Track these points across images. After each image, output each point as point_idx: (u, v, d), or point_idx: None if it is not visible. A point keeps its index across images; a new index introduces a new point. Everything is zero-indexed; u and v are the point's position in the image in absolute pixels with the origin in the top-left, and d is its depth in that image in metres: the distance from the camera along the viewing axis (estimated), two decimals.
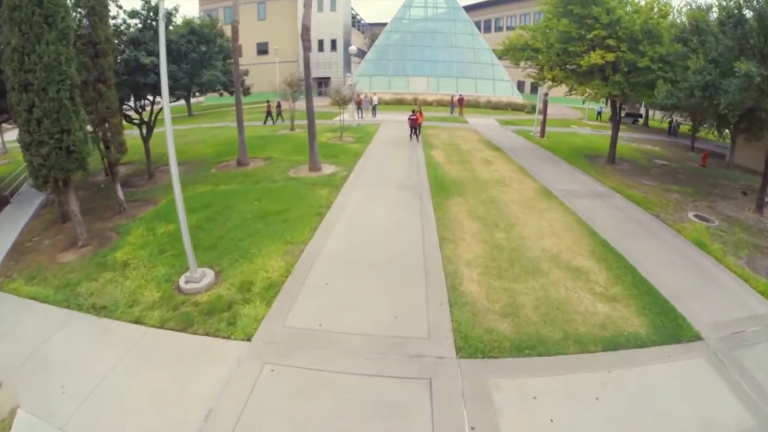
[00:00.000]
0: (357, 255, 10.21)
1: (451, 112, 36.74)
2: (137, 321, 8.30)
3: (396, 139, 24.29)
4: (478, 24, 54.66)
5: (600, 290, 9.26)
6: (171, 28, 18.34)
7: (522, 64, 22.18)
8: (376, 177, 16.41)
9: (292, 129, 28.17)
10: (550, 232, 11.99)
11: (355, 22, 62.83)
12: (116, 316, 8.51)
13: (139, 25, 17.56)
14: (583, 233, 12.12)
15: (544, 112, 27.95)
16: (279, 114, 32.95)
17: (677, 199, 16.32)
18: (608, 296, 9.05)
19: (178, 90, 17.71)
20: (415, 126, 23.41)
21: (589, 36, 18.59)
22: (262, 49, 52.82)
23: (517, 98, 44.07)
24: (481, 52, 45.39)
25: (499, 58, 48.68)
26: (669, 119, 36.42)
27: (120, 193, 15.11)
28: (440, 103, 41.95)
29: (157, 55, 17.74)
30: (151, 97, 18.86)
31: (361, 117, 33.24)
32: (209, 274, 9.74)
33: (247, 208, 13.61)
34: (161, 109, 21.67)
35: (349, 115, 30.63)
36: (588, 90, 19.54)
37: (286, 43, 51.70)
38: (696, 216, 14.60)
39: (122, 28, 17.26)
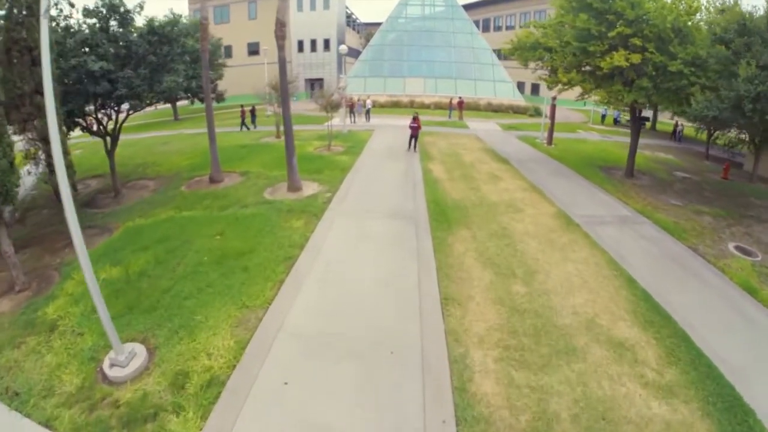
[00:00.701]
0: (330, 333, 7.45)
1: (450, 116, 34.01)
2: (47, 423, 5.95)
3: (390, 149, 21.57)
4: (476, 23, 51.81)
5: (652, 376, 6.73)
6: (131, 29, 15.60)
7: (533, 65, 19.43)
8: (363, 201, 13.67)
9: (278, 136, 25.40)
10: (579, 282, 9.32)
11: (350, 21, 59.94)
12: (27, 409, 6.19)
13: (96, 25, 14.86)
14: (619, 281, 9.50)
15: (551, 117, 25.23)
16: (253, 120, 30.17)
17: (711, 225, 13.84)
18: (663, 387, 6.57)
19: (133, 99, 14.93)
20: (416, 134, 20.65)
21: (611, 34, 15.88)
22: (254, 50, 49.88)
23: (519, 101, 41.35)
24: (481, 52, 42.63)
25: (501, 58, 46.01)
26: (676, 123, 33.88)
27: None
28: (438, 106, 39.18)
29: (109, 60, 15.24)
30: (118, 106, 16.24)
31: (354, 122, 30.49)
32: (140, 354, 7.09)
33: (207, 245, 10.91)
34: (127, 117, 19.14)
35: (340, 120, 27.93)
36: (608, 96, 16.83)
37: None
38: (737, 248, 12.16)
39: (74, 29, 14.55)
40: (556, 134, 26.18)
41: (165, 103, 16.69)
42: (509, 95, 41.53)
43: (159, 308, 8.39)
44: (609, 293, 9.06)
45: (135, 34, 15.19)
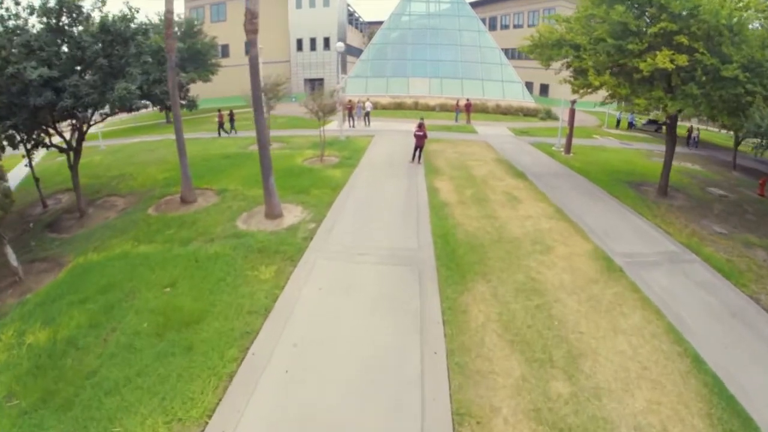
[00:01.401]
0: None
1: (457, 119, 31.20)
2: None
3: (391, 160, 18.86)
4: (482, 22, 48.82)
5: None
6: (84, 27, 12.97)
7: (556, 66, 16.63)
8: (354, 234, 10.94)
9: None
10: (637, 370, 6.68)
11: (353, 19, 57.05)
12: None
13: (43, 24, 12.31)
14: (684, 362, 7.02)
15: (570, 123, 22.43)
16: (232, 125, 27.50)
17: (766, 261, 11.19)
18: None
19: (83, 111, 12.32)
20: (421, 144, 17.90)
21: (652, 30, 13.09)
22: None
23: (529, 102, 38.48)
24: (489, 51, 39.73)
25: (509, 57, 43.15)
26: (690, 128, 30.87)
27: (13, 260, 10.66)
28: (443, 108, 36.39)
29: (53, 65, 12.54)
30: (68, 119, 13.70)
31: (352, 126, 27.77)
32: None
33: (152, 302, 8.35)
34: (89, 128, 16.54)
35: (338, 125, 25.27)
36: (647, 104, 14.02)
37: (277, 42, 46.08)
38: None
39: (20, 30, 12.02)
40: (573, 141, 23.42)
41: (128, 111, 14.07)
42: (518, 96, 38.67)
43: (76, 405, 6.03)
44: (675, 386, 6.45)
45: (86, 34, 12.57)
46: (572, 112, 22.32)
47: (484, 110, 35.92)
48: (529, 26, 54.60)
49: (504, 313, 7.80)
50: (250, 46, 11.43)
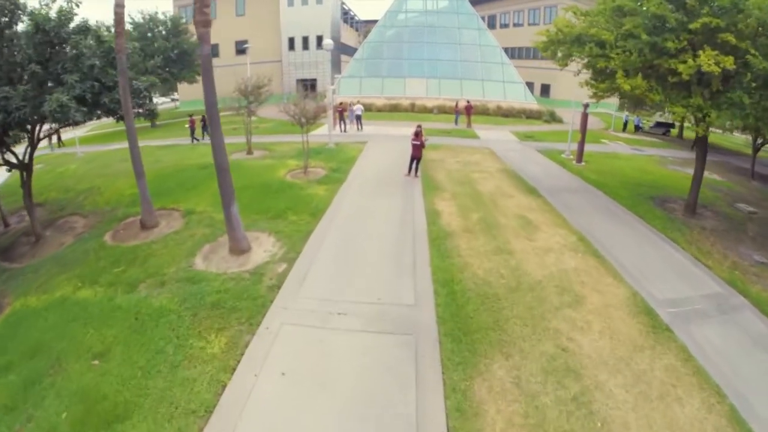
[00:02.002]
0: None
1: (456, 123, 28.88)
2: None
3: (384, 172, 16.59)
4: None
5: None
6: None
7: (575, 67, 14.36)
8: (333, 283, 8.57)
9: (249, 152, 20.46)
10: None
11: (348, 18, 54.65)
12: None
13: None
14: None
15: (582, 130, 20.17)
16: (205, 130, 25.17)
17: None
18: None
19: (12, 129, 10.06)
20: (419, 155, 15.62)
21: (693, 26, 10.85)
22: (242, 49, 44.62)
23: (532, 104, 36.22)
24: (489, 50, 37.42)
25: (510, 56, 40.93)
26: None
27: None
28: (442, 110, 34.09)
29: None
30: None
31: (344, 131, 25.43)
32: None
33: (76, 380, 6.39)
34: (39, 141, 14.16)
35: (328, 130, 23.01)
36: (686, 112, 11.77)
37: (268, 41, 43.68)
38: None
39: None
40: (575, 144, 21.20)
41: (67, 126, 11.80)
42: (520, 97, 36.40)
43: None
44: None
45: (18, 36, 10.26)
46: (585, 117, 20.08)
47: (484, 112, 33.63)
48: (529, 25, 52.27)
49: (531, 414, 5.58)
50: (202, 44, 9.13)
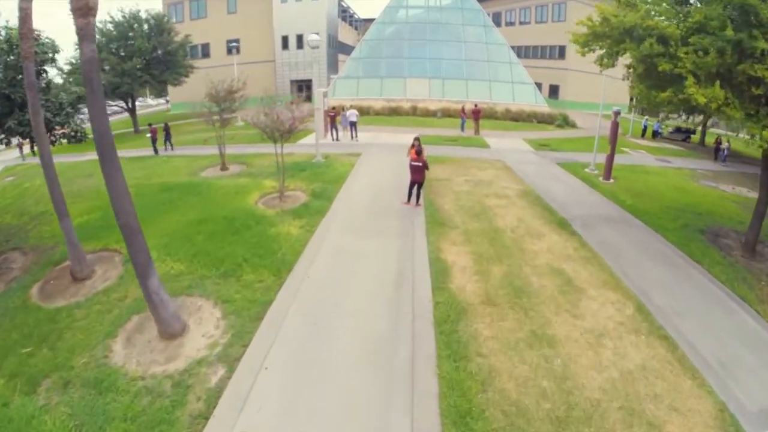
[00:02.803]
0: None
1: (463, 129, 25.45)
2: None
3: (378, 200, 13.23)
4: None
5: None
6: None
7: (621, 70, 10.99)
8: (286, 411, 5.36)
9: (224, 168, 17.20)
10: None
11: (346, 16, 51.16)
12: None
13: None
14: None
15: (612, 142, 16.79)
16: (168, 140, 21.90)
17: None
18: None
19: None
20: (420, 179, 12.11)
21: None
22: (233, 48, 41.34)
23: (542, 106, 32.78)
24: (497, 49, 33.94)
25: (521, 55, 37.40)
26: (718, 140, 25.20)
27: None
28: (446, 113, 30.73)
29: None
30: None
31: (336, 139, 22.08)
32: None
33: None
34: None
35: (320, 138, 19.74)
36: None
37: (260, 40, 40.34)
38: None
39: None
40: (600, 155, 17.90)
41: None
42: (530, 100, 32.95)
43: None
44: None
45: None
46: (615, 128, 16.69)
47: (491, 115, 30.24)
48: (537, 23, 48.72)
49: None
50: (83, 41, 5.75)
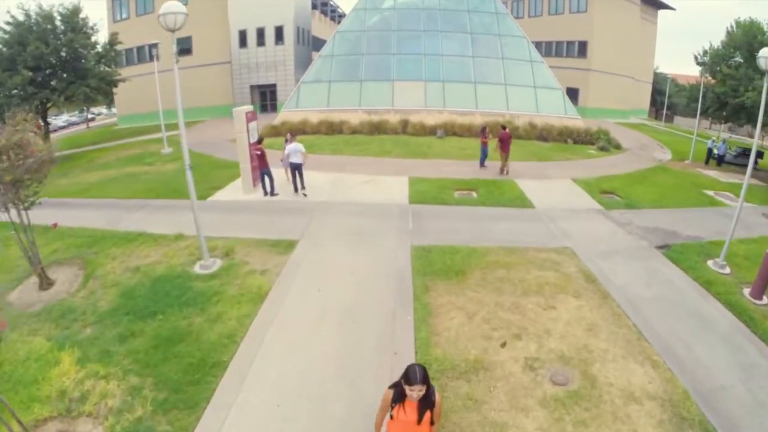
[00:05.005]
0: None
1: (483, 163, 15.42)
2: None
3: None
4: None
5: None
6: None
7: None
8: None
9: (45, 285, 7.35)
10: None
11: (325, 6, 40.86)
12: None
13: None
14: None
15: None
16: None
17: None
18: None
19: None
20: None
21: None
22: (185, 47, 31.13)
23: (575, 119, 23.04)
24: (514, 43, 24.12)
25: (543, 53, 27.62)
26: None
27: None
28: (450, 130, 21.08)
29: None
30: None
31: (271, 193, 12.04)
32: None
33: None
34: None
35: (244, 190, 10.12)
36: None
37: (213, 37, 30.24)
38: None
39: None
40: (638, 190, 8.24)
41: None
42: (558, 110, 23.18)
43: None
44: None
45: None
46: None
47: (512, 133, 20.49)
48: (551, 14, 38.77)
49: None
50: None
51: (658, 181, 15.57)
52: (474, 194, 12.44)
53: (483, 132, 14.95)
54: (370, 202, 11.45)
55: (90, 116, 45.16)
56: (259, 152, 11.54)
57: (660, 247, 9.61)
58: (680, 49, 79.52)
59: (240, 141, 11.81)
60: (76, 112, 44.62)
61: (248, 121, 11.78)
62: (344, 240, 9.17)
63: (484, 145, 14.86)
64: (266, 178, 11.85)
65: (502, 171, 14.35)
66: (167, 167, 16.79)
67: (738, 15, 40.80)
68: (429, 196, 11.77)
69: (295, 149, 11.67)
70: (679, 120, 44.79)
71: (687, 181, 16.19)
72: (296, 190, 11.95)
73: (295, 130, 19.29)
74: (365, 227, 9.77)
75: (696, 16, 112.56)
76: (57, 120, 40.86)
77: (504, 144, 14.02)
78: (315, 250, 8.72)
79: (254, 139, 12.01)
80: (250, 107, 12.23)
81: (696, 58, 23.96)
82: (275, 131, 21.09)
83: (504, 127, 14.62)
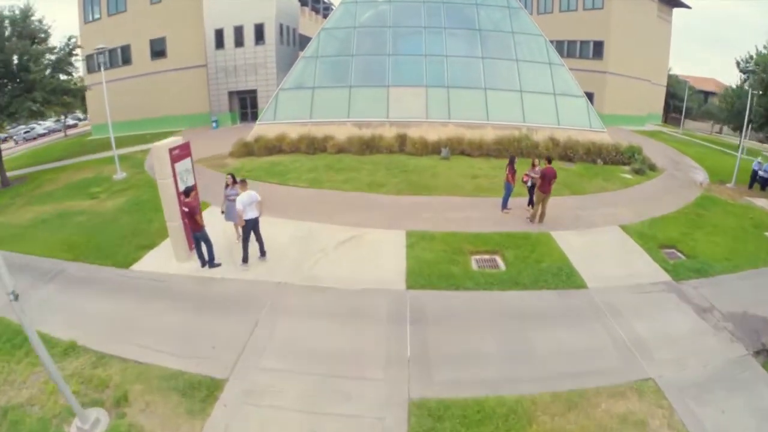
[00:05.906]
0: None
1: (506, 204, 11.44)
2: None
3: None
4: None
5: None
6: None
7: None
8: None
9: None
10: None
11: (313, 1, 36.65)
12: None
13: None
14: None
15: None
16: None
17: None
18: None
19: None
20: None
21: None
22: (159, 50, 27.09)
23: (601, 132, 19.20)
24: (529, 42, 20.24)
25: (564, 54, 23.82)
26: None
27: None
28: (457, 148, 17.31)
29: None
30: None
31: (210, 264, 8.22)
32: None
33: None
34: None
35: (176, 256, 6.45)
36: None
37: (188, 38, 26.26)
38: None
39: None
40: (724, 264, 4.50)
41: None
42: (582, 122, 19.31)
43: None
44: None
45: None
46: None
47: (530, 149, 16.74)
48: (561, 11, 34.73)
49: None
50: None
51: (715, 221, 11.75)
52: (499, 261, 8.64)
53: (511, 164, 11.03)
54: (349, 283, 7.65)
55: (73, 122, 40.99)
56: (187, 209, 7.68)
57: (758, 353, 6.26)
58: (681, 50, 75.28)
59: (164, 190, 7.98)
60: (60, 118, 40.38)
61: (174, 160, 7.95)
62: (299, 384, 5.40)
63: (509, 182, 10.99)
64: (202, 245, 8.02)
65: (533, 218, 10.52)
66: (107, 204, 12.93)
67: (738, 15, 36.39)
68: (435, 271, 7.97)
69: (249, 200, 7.82)
70: (689, 124, 41.00)
71: (745, 220, 12.32)
72: (245, 260, 8.10)
73: (272, 147, 15.52)
74: (337, 348, 6.03)
75: (696, 15, 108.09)
76: (38, 127, 36.84)
77: (546, 183, 10.15)
78: (247, 409, 4.95)
79: (187, 184, 8.17)
80: (178, 139, 8.35)
81: (738, 63, 20.30)
82: (247, 150, 17.23)
83: (549, 160, 10.64)
